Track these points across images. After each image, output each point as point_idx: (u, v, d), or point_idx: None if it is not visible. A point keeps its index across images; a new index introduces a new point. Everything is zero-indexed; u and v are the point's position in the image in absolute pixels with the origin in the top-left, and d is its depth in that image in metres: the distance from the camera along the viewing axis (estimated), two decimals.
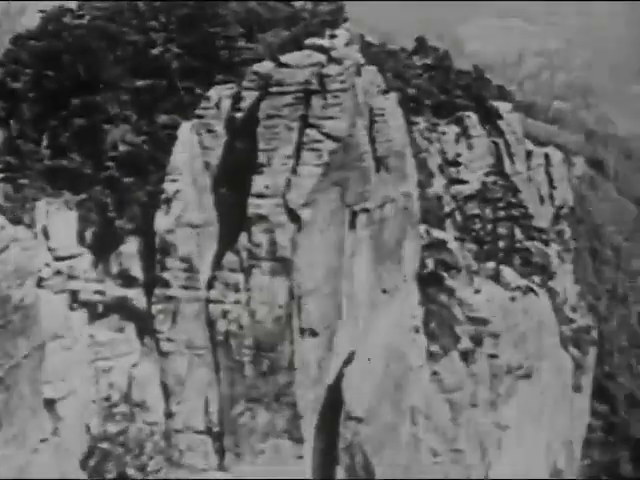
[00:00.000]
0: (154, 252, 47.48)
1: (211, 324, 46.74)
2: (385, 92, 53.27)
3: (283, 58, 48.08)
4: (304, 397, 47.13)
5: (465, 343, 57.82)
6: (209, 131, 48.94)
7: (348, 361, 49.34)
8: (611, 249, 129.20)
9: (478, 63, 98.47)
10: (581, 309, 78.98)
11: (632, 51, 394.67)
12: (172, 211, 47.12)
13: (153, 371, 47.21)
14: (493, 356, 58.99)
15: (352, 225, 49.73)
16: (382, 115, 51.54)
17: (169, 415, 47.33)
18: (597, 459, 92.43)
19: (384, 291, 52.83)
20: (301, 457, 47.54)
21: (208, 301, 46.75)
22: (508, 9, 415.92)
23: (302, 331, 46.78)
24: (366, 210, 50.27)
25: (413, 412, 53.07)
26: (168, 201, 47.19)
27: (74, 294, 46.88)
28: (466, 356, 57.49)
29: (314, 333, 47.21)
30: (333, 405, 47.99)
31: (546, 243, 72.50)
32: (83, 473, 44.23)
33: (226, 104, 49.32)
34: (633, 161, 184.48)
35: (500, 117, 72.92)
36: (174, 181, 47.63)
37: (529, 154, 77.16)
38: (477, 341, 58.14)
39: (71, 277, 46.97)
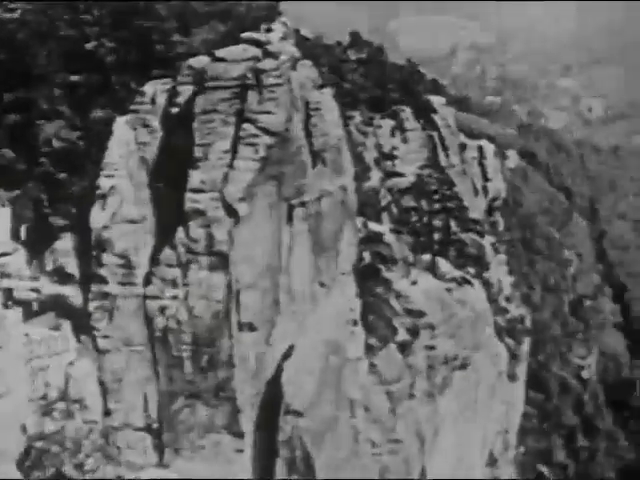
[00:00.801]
0: (90, 248, 46.97)
1: (149, 320, 46.44)
2: (321, 86, 53.36)
3: (219, 53, 47.96)
4: (243, 392, 47.14)
5: (402, 335, 58.41)
6: (145, 126, 48.55)
7: (287, 355, 49.45)
8: (543, 239, 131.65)
9: (412, 57, 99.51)
10: (515, 299, 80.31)
11: (560, 47, 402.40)
12: (108, 207, 46.66)
13: (90, 369, 46.71)
14: (430, 347, 59.69)
15: (289, 219, 49.79)
16: (318, 109, 51.64)
17: (107, 413, 46.93)
18: (532, 446, 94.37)
19: (322, 284, 53.00)
20: (241, 451, 47.56)
21: (145, 297, 46.45)
22: (440, 5, 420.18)
23: (241, 326, 46.75)
24: (303, 204, 50.36)
25: (352, 404, 53.37)
26: (104, 197, 46.73)
27: (8, 292, 46.12)
28: (403, 348, 58.06)
29: (253, 328, 47.22)
30: (273, 399, 48.05)
31: (480, 234, 73.48)
32: (19, 474, 43.53)
33: (162, 99, 49.00)
34: (563, 153, 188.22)
35: (434, 111, 73.65)
36: (110, 177, 47.16)
37: (463, 147, 78.13)
38: (414, 333, 58.77)
39: (5, 275, 46.20)
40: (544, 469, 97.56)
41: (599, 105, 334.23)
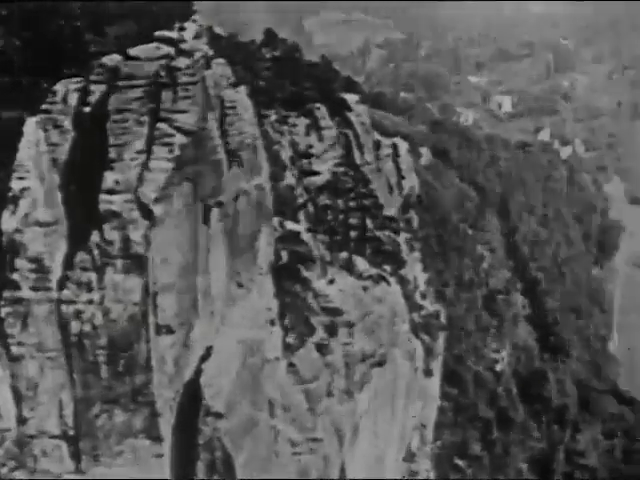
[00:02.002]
0: (1, 253, 45.72)
1: (63, 325, 45.42)
2: (235, 85, 53.09)
3: (131, 51, 47.17)
4: (162, 395, 46.59)
5: (320, 334, 58.69)
6: (56, 126, 47.40)
7: (205, 357, 49.14)
8: (456, 236, 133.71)
9: (326, 55, 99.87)
10: (430, 295, 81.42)
11: (472, 43, 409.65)
12: (19, 210, 45.41)
13: (3, 376, 45.48)
14: (347, 345, 60.12)
15: (206, 219, 49.44)
16: (233, 108, 51.39)
17: (22, 420, 45.74)
18: (448, 440, 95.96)
19: (239, 285, 52.83)
20: (160, 456, 47.04)
21: (60, 302, 45.40)
22: (353, 3, 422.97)
23: (158, 328, 46.17)
24: (219, 204, 50.09)
25: (271, 404, 53.42)
26: (15, 199, 45.45)
27: None
28: (321, 346, 58.34)
29: (170, 330, 46.68)
30: (192, 402, 47.68)
31: (396, 232, 74.15)
32: None
33: (73, 98, 47.94)
34: (474, 149, 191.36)
35: (348, 108, 73.91)
36: (21, 179, 45.88)
37: (377, 145, 78.66)
38: (332, 331, 59.11)
39: None
40: (460, 462, 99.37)
41: (508, 102, 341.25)
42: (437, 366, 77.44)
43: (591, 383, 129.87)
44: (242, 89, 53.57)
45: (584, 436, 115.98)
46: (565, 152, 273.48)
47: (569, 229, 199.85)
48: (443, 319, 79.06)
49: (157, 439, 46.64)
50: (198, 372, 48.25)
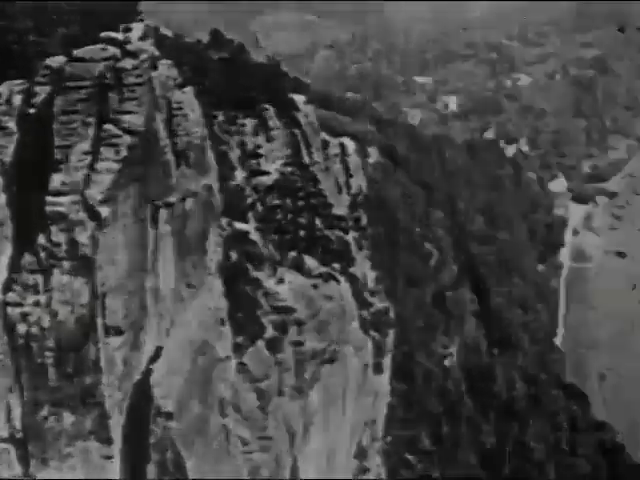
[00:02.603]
0: None
1: (10, 328, 45.02)
2: (182, 86, 53.07)
3: (76, 52, 46.95)
4: (111, 397, 46.47)
5: (271, 332, 58.91)
6: (0, 128, 47.01)
7: (155, 357, 49.09)
8: (405, 234, 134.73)
9: (273, 56, 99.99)
10: (379, 293, 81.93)
11: (418, 44, 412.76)
12: None
13: None
14: (298, 343, 60.43)
15: (154, 220, 49.36)
16: (180, 109, 51.42)
17: None
18: (398, 436, 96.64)
19: (189, 285, 52.87)
20: (110, 458, 46.86)
21: (6, 304, 44.99)
22: (300, 4, 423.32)
23: (107, 330, 46.04)
24: (168, 205, 50.07)
25: (222, 404, 53.54)
26: None
27: None
28: (272, 345, 58.56)
29: (119, 331, 46.60)
30: (142, 402, 47.58)
31: (345, 231, 74.55)
32: None
33: (17, 100, 47.56)
34: (421, 148, 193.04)
35: (296, 109, 74.14)
36: None
37: (325, 144, 79.01)
38: (282, 329, 59.37)
39: None
40: (410, 457, 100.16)
41: (454, 101, 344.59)
42: (387, 362, 78.04)
43: (538, 377, 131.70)
44: (189, 90, 53.60)
45: (532, 429, 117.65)
46: (510, 151, 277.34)
47: (515, 226, 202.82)
48: (392, 316, 79.66)
49: (107, 441, 46.50)
50: (148, 373, 48.20)
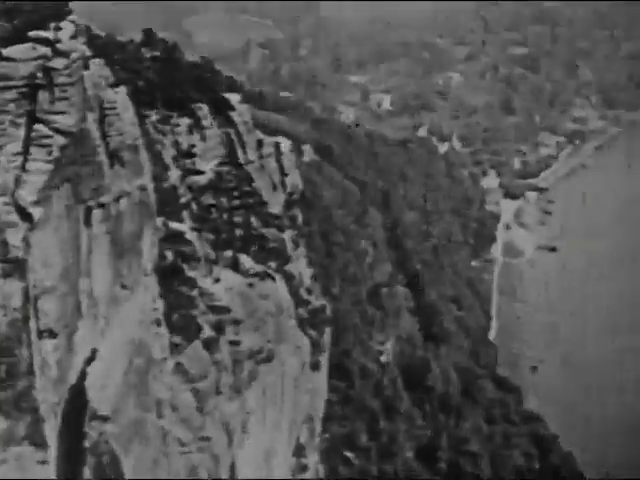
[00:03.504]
0: None
1: None
2: (115, 85, 52.58)
3: (5, 51, 46.11)
4: (46, 400, 45.79)
5: (207, 332, 58.77)
6: None
7: (90, 359, 48.60)
8: (340, 231, 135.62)
9: (207, 55, 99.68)
10: (316, 291, 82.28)
11: (352, 43, 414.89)
12: None
13: None
14: (235, 343, 60.40)
15: (87, 221, 48.84)
16: (113, 108, 50.88)
17: None
18: (336, 432, 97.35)
19: (124, 286, 52.40)
20: (45, 463, 46.19)
21: None
22: (233, 3, 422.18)
23: (40, 332, 45.40)
24: (101, 205, 49.58)
25: (159, 405, 53.21)
26: None
27: None
28: (209, 345, 58.42)
29: (53, 334, 45.98)
30: (77, 406, 47.07)
31: (280, 229, 74.70)
32: None
33: None
34: (355, 146, 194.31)
35: (231, 108, 73.97)
36: None
37: (260, 143, 78.95)
38: (219, 329, 59.28)
39: None
40: (348, 453, 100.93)
41: (387, 99, 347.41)
42: (324, 360, 78.41)
43: (472, 371, 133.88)
44: (122, 89, 53.10)
45: (467, 423, 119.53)
46: (443, 148, 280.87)
47: (448, 222, 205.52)
48: (329, 313, 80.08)
49: (42, 445, 45.77)
50: (83, 375, 47.68)
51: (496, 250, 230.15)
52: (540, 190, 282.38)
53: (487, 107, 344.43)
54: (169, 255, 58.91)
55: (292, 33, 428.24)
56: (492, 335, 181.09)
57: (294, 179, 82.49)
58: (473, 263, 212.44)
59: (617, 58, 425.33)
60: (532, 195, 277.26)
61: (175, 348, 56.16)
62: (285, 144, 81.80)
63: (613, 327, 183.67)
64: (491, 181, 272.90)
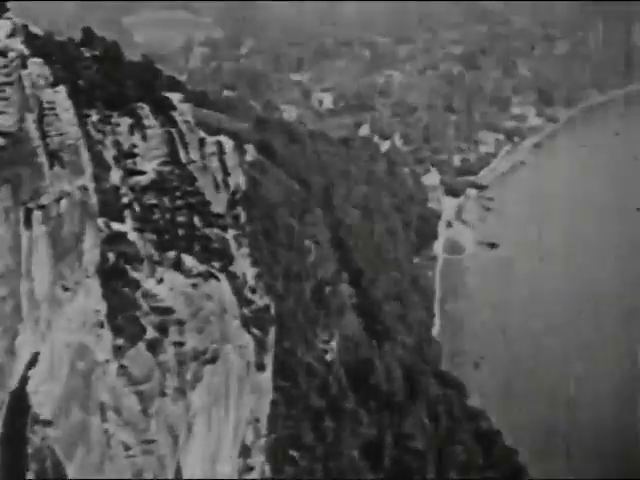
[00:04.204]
0: None
1: None
2: (54, 84, 51.79)
3: None
4: None
5: (151, 333, 58.28)
6: None
7: (32, 363, 47.79)
8: (284, 230, 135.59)
9: (147, 54, 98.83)
10: (260, 290, 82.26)
11: (293, 42, 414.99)
12: None
13: None
14: (179, 344, 60.00)
15: (28, 223, 48.02)
16: (52, 109, 50.14)
17: None
18: (282, 432, 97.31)
19: (65, 288, 51.61)
20: None
21: None
22: (173, 2, 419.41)
23: None
24: (42, 207, 48.77)
25: (102, 408, 52.60)
26: None
27: None
28: (153, 346, 57.94)
29: None
30: (19, 411, 46.28)
31: (224, 229, 74.51)
32: None
33: None
34: (297, 145, 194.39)
35: (172, 107, 73.55)
36: None
37: (202, 142, 78.68)
38: (163, 330, 58.83)
39: None
40: (294, 453, 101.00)
41: (329, 98, 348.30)
42: (269, 360, 78.41)
43: (416, 368, 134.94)
44: (61, 89, 52.32)
45: (411, 420, 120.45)
46: (384, 146, 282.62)
47: (390, 220, 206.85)
48: (273, 313, 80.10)
49: None
50: (24, 380, 46.87)
51: (438, 247, 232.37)
52: (480, 187, 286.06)
53: (428, 105, 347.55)
54: (111, 256, 58.25)
55: (233, 32, 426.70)
56: (435, 332, 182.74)
57: (237, 178, 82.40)
58: (415, 260, 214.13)
59: (553, 56, 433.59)
60: (473, 192, 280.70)
61: (118, 350, 55.57)
62: (227, 143, 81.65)
63: (554, 323, 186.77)
64: (432, 179, 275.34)
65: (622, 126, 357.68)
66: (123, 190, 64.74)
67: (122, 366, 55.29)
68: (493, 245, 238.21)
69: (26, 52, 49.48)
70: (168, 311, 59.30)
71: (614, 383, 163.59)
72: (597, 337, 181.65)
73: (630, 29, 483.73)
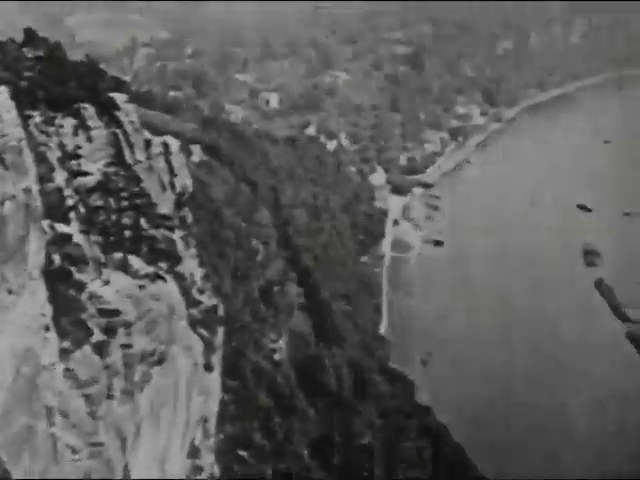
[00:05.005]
0: None
1: None
2: None
3: None
4: None
5: (98, 336, 57.94)
6: None
7: None
8: (231, 230, 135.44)
9: (91, 54, 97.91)
10: (208, 290, 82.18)
11: (238, 42, 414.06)
12: None
13: None
14: (126, 346, 59.75)
15: None
16: None
17: None
18: (230, 432, 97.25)
19: (10, 291, 51.07)
20: None
21: None
22: (117, 2, 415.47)
23: None
24: None
25: (49, 412, 52.18)
26: None
27: None
28: (100, 348, 57.62)
29: None
30: None
31: (170, 229, 74.26)
32: None
33: None
34: (244, 145, 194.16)
35: (117, 108, 73.02)
36: None
37: (148, 143, 78.24)
38: (110, 332, 58.53)
39: None
40: (243, 453, 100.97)
41: (275, 98, 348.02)
42: (217, 360, 78.42)
43: (364, 365, 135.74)
44: (3, 90, 51.80)
45: (360, 417, 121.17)
46: (331, 146, 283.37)
47: (338, 219, 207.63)
48: (221, 313, 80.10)
49: None
50: None
51: (385, 245, 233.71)
52: (426, 186, 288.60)
53: (373, 105, 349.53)
54: (56, 258, 57.76)
55: (178, 32, 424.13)
56: (383, 329, 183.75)
57: (183, 179, 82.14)
58: (363, 259, 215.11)
59: (496, 56, 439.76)
60: (419, 191, 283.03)
61: (64, 353, 55.17)
62: (173, 144, 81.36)
63: (500, 319, 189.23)
64: (379, 178, 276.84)
65: (565, 123, 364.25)
66: (68, 192, 64.14)
67: (68, 369, 54.91)
68: (439, 242, 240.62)
69: None
70: (115, 313, 59.01)
71: (558, 377, 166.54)
72: (544, 331, 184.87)
73: (570, 28, 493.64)
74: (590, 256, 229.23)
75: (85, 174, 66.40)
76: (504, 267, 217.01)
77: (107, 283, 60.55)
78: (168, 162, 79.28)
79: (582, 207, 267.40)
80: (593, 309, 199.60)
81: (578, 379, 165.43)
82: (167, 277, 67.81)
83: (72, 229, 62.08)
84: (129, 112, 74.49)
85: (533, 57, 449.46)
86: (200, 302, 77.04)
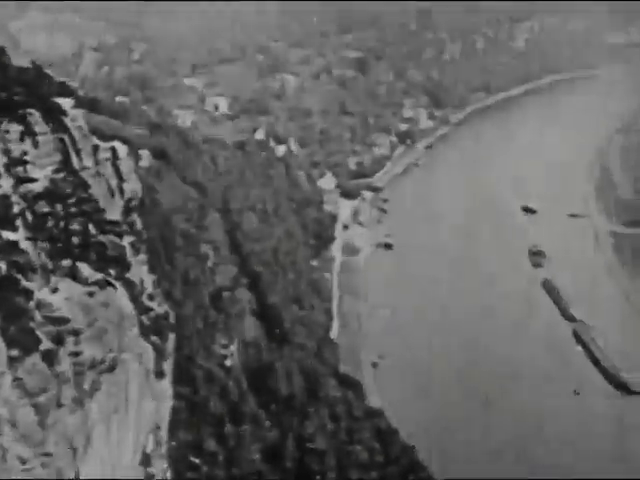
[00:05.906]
0: None
1: None
2: None
3: None
4: None
5: (46, 344, 57.20)
6: None
7: None
8: (181, 236, 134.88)
9: (36, 59, 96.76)
10: (158, 297, 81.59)
11: (185, 46, 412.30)
12: None
13: None
14: (76, 353, 59.08)
15: None
16: None
17: None
18: (183, 439, 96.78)
19: None
20: None
21: None
22: (62, 5, 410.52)
23: None
24: None
25: None
26: None
27: None
28: (48, 357, 56.90)
29: None
30: None
31: (119, 235, 73.63)
32: None
33: None
34: (193, 150, 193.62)
35: (64, 113, 72.24)
36: None
37: (96, 149, 77.54)
38: (59, 340, 57.81)
39: None
40: (195, 460, 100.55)
41: (224, 103, 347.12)
42: (168, 367, 77.90)
43: (315, 370, 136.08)
44: None
45: (312, 421, 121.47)
46: (280, 150, 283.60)
47: (288, 223, 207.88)
48: (172, 319, 79.63)
49: None
50: None
51: (336, 249, 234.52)
52: (375, 189, 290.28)
53: (322, 109, 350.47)
54: (3, 266, 56.93)
55: (125, 36, 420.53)
56: (334, 333, 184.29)
57: (132, 185, 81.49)
58: (314, 263, 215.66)
59: (442, 60, 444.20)
60: (368, 194, 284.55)
61: (13, 362, 54.39)
62: (122, 149, 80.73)
63: (449, 323, 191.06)
64: (328, 182, 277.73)
65: (511, 126, 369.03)
66: (14, 198, 63.23)
67: (17, 378, 54.14)
68: (388, 246, 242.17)
69: None
70: (64, 321, 58.27)
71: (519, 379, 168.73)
72: (496, 333, 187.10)
73: (514, 33, 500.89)
74: (536, 257, 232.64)
75: (32, 180, 65.49)
76: (453, 269, 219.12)
77: (55, 291, 59.77)
78: (116, 167, 78.62)
79: (527, 209, 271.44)
80: (540, 309, 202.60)
81: (530, 378, 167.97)
82: (117, 284, 67.14)
83: (19, 236, 61.22)
84: (76, 117, 73.68)
85: (479, 61, 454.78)
86: (151, 309, 76.38)
